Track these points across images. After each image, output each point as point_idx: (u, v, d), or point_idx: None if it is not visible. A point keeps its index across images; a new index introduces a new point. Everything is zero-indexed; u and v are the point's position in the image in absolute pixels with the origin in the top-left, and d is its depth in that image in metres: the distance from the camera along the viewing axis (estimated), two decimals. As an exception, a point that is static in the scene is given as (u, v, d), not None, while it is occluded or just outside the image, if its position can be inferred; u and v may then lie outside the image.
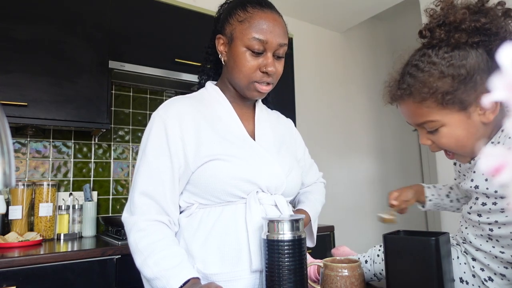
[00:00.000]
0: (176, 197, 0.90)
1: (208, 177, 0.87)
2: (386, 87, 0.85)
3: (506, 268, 0.79)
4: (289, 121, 1.18)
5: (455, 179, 1.00)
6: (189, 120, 0.91)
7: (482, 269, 0.82)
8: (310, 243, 1.09)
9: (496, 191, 0.74)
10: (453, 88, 0.72)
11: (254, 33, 0.88)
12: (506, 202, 0.72)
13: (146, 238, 0.83)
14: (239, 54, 0.90)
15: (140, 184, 0.87)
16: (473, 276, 0.83)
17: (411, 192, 1.07)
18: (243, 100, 1.01)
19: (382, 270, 0.96)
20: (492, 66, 0.72)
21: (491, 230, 0.78)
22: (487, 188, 0.76)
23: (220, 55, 0.96)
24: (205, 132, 0.90)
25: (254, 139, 0.97)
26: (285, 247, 0.77)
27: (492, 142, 0.76)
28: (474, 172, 0.79)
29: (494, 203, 0.76)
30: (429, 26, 0.76)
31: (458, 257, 0.87)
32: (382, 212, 1.08)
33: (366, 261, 1.01)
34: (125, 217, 0.89)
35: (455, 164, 0.95)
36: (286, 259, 0.76)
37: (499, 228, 0.76)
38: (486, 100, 0.25)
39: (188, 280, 0.77)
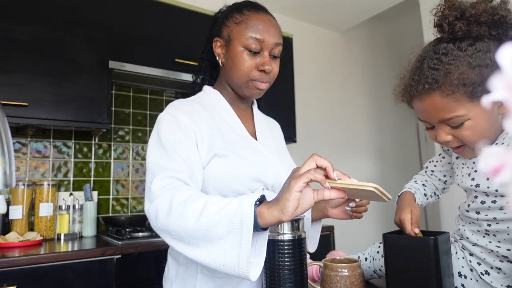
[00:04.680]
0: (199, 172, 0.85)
1: (215, 174, 0.87)
2: (399, 86, 0.82)
3: (502, 261, 0.81)
4: (278, 125, 1.20)
5: (431, 162, 1.07)
6: (198, 117, 0.92)
7: (479, 263, 0.85)
8: (311, 247, 1.03)
9: (497, 190, 0.76)
10: (483, 79, 0.70)
11: (251, 33, 0.92)
12: (506, 201, 0.73)
13: (178, 195, 0.74)
14: (237, 54, 0.92)
15: (158, 168, 0.82)
16: (471, 270, 0.85)
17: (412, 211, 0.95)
18: (241, 102, 1.02)
19: (382, 266, 0.98)
20: None
21: (489, 225, 0.81)
22: (488, 187, 0.78)
23: (217, 58, 0.99)
24: (213, 130, 0.91)
25: (255, 139, 0.99)
26: (285, 247, 0.77)
27: (496, 143, 0.77)
28: (476, 171, 0.81)
29: (494, 201, 0.79)
30: (448, 20, 0.74)
31: (456, 253, 0.89)
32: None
33: (366, 259, 1.02)
34: (146, 208, 0.80)
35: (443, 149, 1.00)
36: (286, 259, 0.76)
37: (497, 223, 0.80)
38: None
39: (261, 200, 0.69)
